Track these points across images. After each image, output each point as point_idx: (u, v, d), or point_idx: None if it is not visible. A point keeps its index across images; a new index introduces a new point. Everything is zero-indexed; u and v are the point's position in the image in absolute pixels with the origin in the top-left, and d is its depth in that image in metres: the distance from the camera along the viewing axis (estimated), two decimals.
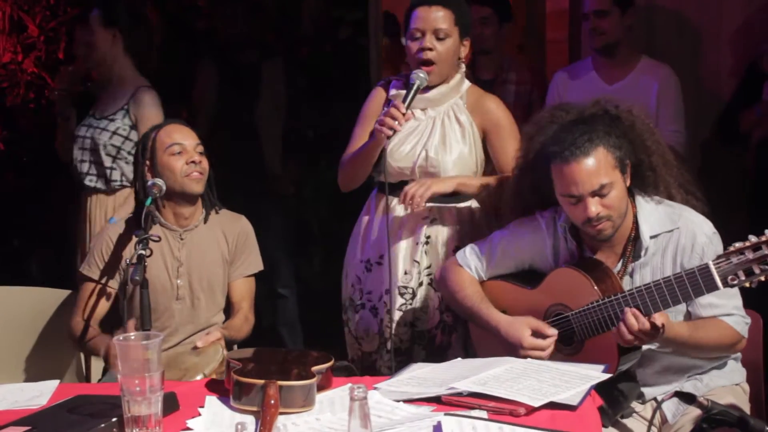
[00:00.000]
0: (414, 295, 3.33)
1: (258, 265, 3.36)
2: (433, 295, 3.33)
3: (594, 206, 2.65)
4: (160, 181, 3.10)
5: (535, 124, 2.89)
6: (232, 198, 3.44)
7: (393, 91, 3.38)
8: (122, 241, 3.19)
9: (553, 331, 2.77)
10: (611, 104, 2.79)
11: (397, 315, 3.32)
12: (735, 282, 2.46)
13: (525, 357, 2.72)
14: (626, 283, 2.73)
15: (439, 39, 3.23)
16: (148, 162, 3.19)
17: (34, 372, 3.47)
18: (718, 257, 2.48)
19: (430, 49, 3.22)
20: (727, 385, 2.80)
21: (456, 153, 3.27)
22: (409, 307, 3.33)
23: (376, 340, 3.40)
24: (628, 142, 2.72)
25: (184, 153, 3.16)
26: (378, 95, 3.45)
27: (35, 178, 5.35)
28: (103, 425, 2.20)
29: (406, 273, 3.32)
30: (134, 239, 3.02)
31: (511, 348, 2.79)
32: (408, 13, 3.30)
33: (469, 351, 3.29)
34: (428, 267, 3.33)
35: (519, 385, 2.33)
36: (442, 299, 3.28)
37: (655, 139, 2.76)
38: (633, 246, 2.75)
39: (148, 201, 3.02)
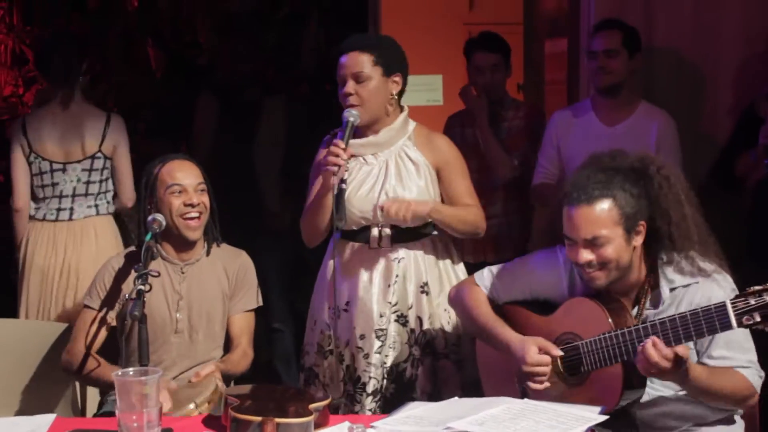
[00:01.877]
0: (386, 335, 3.35)
1: (257, 301, 3.36)
2: (401, 331, 3.36)
3: (585, 254, 2.66)
4: (160, 217, 3.10)
5: (587, 160, 2.87)
6: (229, 233, 3.44)
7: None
8: (123, 274, 3.19)
9: (558, 352, 2.78)
10: (655, 164, 2.76)
11: (375, 359, 3.33)
12: (750, 322, 2.43)
13: (527, 374, 2.76)
14: None
15: (359, 82, 3.29)
16: (149, 197, 3.20)
17: (27, 405, 3.44)
18: (736, 297, 2.47)
19: (351, 94, 3.28)
20: None
21: (415, 189, 3.32)
22: (383, 348, 3.35)
23: (340, 387, 3.41)
24: (648, 204, 2.69)
25: (183, 193, 3.17)
26: (326, 146, 3.46)
27: None
28: None
29: (381, 315, 3.34)
30: (134, 273, 3.03)
31: (515, 364, 2.82)
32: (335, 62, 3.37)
33: (437, 384, 3.36)
34: (395, 304, 3.36)
35: (516, 426, 2.33)
36: (412, 332, 3.34)
37: (682, 213, 2.71)
38: (650, 293, 2.74)
39: (148, 236, 3.03)
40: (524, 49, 6.05)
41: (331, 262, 3.43)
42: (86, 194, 4.36)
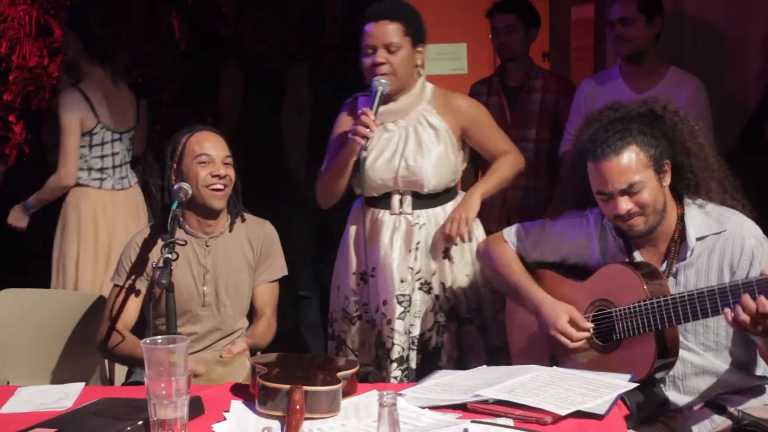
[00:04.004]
0: (410, 302, 3.35)
1: (282, 270, 3.36)
2: (426, 299, 3.38)
3: (624, 203, 2.67)
4: (186, 185, 3.09)
5: (585, 122, 2.90)
6: (256, 201, 3.45)
7: (362, 106, 3.38)
8: (148, 246, 3.19)
9: (588, 325, 2.78)
10: (659, 104, 2.79)
11: (398, 324, 3.33)
12: None
13: (553, 337, 2.78)
14: (671, 284, 2.72)
15: (390, 52, 3.28)
16: (174, 165, 3.19)
17: (59, 375, 3.47)
18: None
19: (383, 63, 3.27)
20: (758, 405, 2.74)
21: (435, 156, 3.33)
22: (406, 315, 3.35)
23: (372, 351, 3.42)
24: (667, 143, 2.72)
25: (210, 163, 3.15)
26: (348, 110, 3.50)
27: None
28: (129, 428, 2.20)
29: (402, 281, 3.35)
30: (160, 243, 3.03)
31: (543, 327, 2.85)
32: (360, 30, 3.35)
33: (462, 350, 3.38)
34: (419, 271, 3.37)
35: (545, 394, 2.32)
36: (437, 299, 3.34)
37: (698, 142, 2.75)
38: (678, 246, 2.74)
39: (174, 205, 3.02)
40: (550, 17, 6.00)
41: (352, 229, 3.46)
42: (130, 162, 4.50)
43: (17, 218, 4.45)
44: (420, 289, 3.37)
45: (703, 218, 2.72)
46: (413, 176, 3.32)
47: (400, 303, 3.34)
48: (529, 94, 4.51)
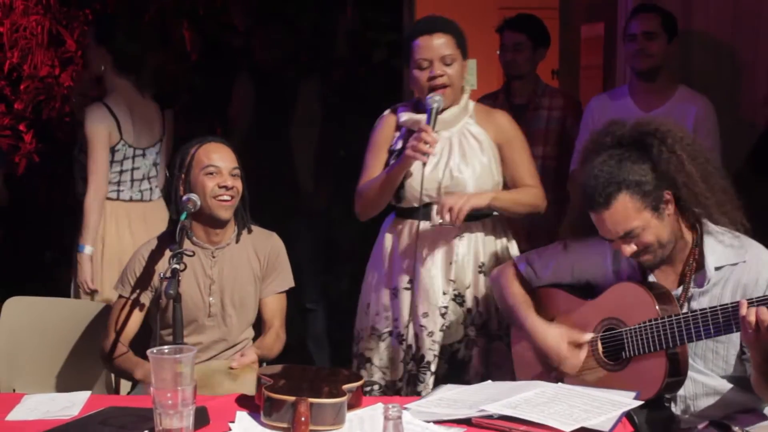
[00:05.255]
0: (447, 312, 3.35)
1: (289, 282, 3.36)
2: (458, 310, 3.35)
3: (627, 247, 2.66)
4: (195, 196, 3.10)
5: (585, 146, 2.88)
6: (264, 213, 3.46)
7: (404, 117, 3.39)
8: (154, 258, 3.20)
9: (586, 338, 2.79)
10: (650, 128, 2.72)
11: (438, 336, 3.33)
12: None
13: (559, 366, 2.78)
14: (684, 310, 2.70)
15: (446, 64, 3.28)
16: (183, 176, 3.21)
17: (64, 383, 3.48)
18: None
19: (441, 75, 3.27)
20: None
21: (478, 167, 3.31)
22: (444, 326, 3.34)
23: (401, 367, 3.40)
24: (660, 175, 2.65)
25: (218, 175, 3.16)
26: (386, 122, 3.47)
27: (69, 190, 5.39)
28: None
29: (444, 293, 3.34)
30: (167, 255, 3.04)
31: (541, 355, 2.86)
32: (408, 44, 3.34)
33: (489, 367, 3.35)
34: (455, 282, 3.35)
35: (550, 410, 2.33)
36: (468, 312, 3.34)
37: (686, 171, 2.66)
38: (695, 273, 2.71)
39: (183, 216, 3.03)
40: (560, 34, 6.01)
41: (388, 243, 3.44)
42: (157, 176, 4.44)
43: (89, 274, 4.20)
44: (453, 300, 3.35)
45: (722, 248, 2.68)
46: (456, 187, 3.28)
47: (442, 315, 3.33)
48: (535, 111, 4.52)
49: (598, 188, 2.64)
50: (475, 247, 3.37)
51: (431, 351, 3.33)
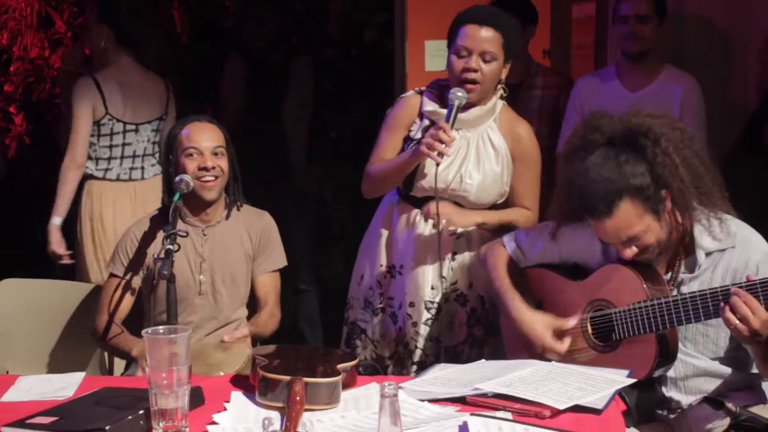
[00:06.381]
0: (440, 310, 3.32)
1: (282, 261, 3.37)
2: (459, 311, 3.31)
3: (628, 251, 2.63)
4: (187, 177, 3.10)
5: (573, 133, 2.81)
6: (256, 194, 3.45)
7: (429, 107, 3.28)
8: (147, 239, 3.20)
9: (572, 323, 2.78)
10: (642, 129, 2.64)
11: (423, 329, 3.31)
12: None
13: (543, 354, 2.77)
14: (674, 293, 2.69)
15: (485, 61, 3.16)
16: (170, 158, 3.21)
17: (58, 364, 3.49)
18: None
19: (475, 70, 3.15)
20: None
21: (490, 175, 3.23)
22: (434, 322, 3.32)
23: (392, 345, 3.40)
24: (656, 176, 2.60)
25: (198, 156, 3.16)
26: (409, 103, 3.35)
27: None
28: (129, 417, 2.21)
29: (432, 288, 3.30)
30: (159, 235, 3.05)
31: (526, 341, 2.85)
32: (456, 26, 3.22)
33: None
34: (454, 283, 3.31)
35: (544, 388, 2.34)
36: (473, 312, 3.31)
37: (673, 164, 2.60)
38: (685, 258, 2.70)
39: (176, 197, 3.04)
40: (551, 14, 6.00)
41: (385, 222, 3.40)
42: (153, 154, 4.43)
43: (58, 243, 4.26)
44: (455, 300, 3.30)
45: (711, 237, 2.66)
46: (464, 192, 3.22)
47: (427, 309, 3.30)
48: (529, 90, 4.51)
49: (599, 196, 2.58)
50: (476, 249, 3.29)
51: (413, 341, 3.32)
